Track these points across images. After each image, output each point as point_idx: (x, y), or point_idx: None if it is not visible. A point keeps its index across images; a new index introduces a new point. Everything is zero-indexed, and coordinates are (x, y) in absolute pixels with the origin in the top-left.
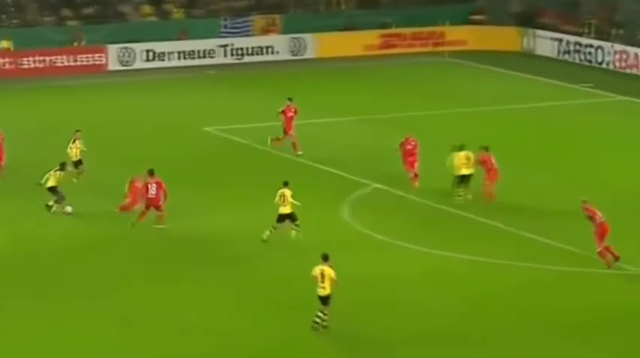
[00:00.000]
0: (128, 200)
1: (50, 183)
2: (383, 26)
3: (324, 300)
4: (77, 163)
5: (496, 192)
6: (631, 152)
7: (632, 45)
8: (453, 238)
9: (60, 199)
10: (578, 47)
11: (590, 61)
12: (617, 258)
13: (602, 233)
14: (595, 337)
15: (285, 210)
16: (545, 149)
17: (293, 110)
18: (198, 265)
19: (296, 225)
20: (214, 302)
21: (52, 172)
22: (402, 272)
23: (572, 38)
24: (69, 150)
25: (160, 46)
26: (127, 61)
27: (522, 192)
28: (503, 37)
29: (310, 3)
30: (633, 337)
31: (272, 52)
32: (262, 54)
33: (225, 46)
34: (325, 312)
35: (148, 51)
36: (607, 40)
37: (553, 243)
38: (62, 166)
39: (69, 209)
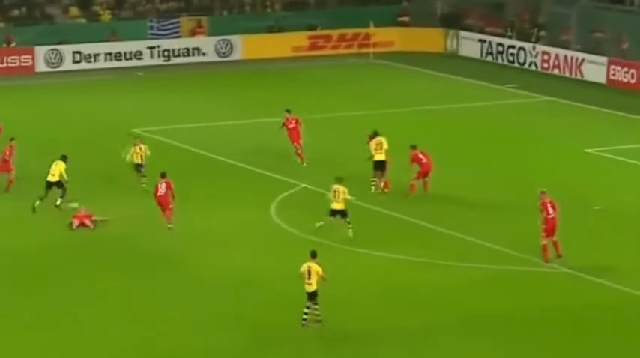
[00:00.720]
0: None
1: (55, 178)
2: (310, 28)
3: (311, 296)
4: (139, 166)
5: (431, 186)
6: (555, 151)
7: (554, 46)
8: (381, 238)
9: (63, 194)
10: (502, 48)
11: (514, 62)
12: (559, 256)
13: (548, 228)
14: (522, 335)
15: (338, 206)
16: (471, 149)
17: (294, 121)
18: (126, 264)
19: (348, 223)
20: (154, 300)
21: (53, 166)
22: (330, 271)
23: (497, 39)
24: (128, 155)
25: (88, 48)
26: (55, 63)
27: (449, 191)
28: (429, 39)
29: (237, 5)
30: (559, 335)
31: (199, 54)
32: (190, 55)
33: (153, 47)
34: (315, 307)
35: (76, 52)
36: (530, 41)
37: (481, 242)
38: (64, 158)
39: (75, 205)
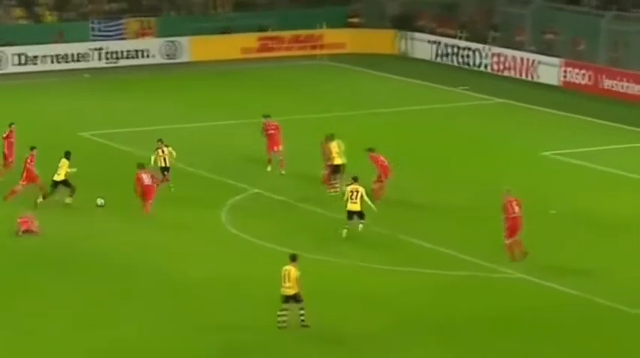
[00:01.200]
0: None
1: (61, 177)
2: (260, 29)
3: (291, 299)
4: (164, 169)
5: (386, 189)
6: (509, 154)
7: (508, 47)
8: (338, 244)
9: (72, 192)
10: (455, 50)
11: (467, 64)
12: (524, 254)
13: (510, 227)
14: (478, 341)
15: (355, 206)
16: (424, 152)
17: (273, 126)
18: (76, 271)
19: (361, 221)
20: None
21: (60, 165)
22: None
23: (449, 41)
24: (154, 157)
25: (31, 50)
26: None
27: (403, 196)
28: (380, 40)
29: (185, 5)
30: (514, 340)
31: (147, 56)
32: (137, 57)
33: (99, 49)
34: (300, 312)
35: (19, 55)
36: (484, 42)
37: (436, 247)
38: (67, 155)
39: (101, 201)
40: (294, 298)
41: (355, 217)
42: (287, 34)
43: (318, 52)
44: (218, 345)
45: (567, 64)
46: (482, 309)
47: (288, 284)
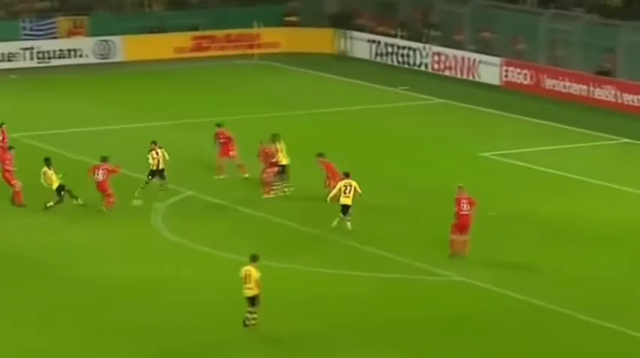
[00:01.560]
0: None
1: (55, 184)
2: (194, 28)
3: (252, 300)
4: (160, 172)
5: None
6: (449, 155)
7: (447, 46)
8: (279, 248)
9: (71, 195)
10: (393, 49)
11: (406, 64)
12: (463, 256)
13: (457, 224)
14: (419, 344)
15: (348, 201)
16: (362, 153)
17: (225, 136)
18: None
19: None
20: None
21: (48, 174)
22: (228, 283)
23: (388, 40)
24: (151, 160)
25: None
26: None
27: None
28: (318, 39)
29: (117, 4)
30: (453, 343)
31: (79, 55)
32: (69, 57)
33: (29, 49)
34: (253, 311)
35: None
36: (422, 41)
37: (375, 250)
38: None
39: (139, 202)
40: (253, 300)
41: (349, 211)
42: (221, 33)
43: (253, 51)
44: (150, 351)
45: (508, 64)
46: (421, 312)
47: (249, 286)
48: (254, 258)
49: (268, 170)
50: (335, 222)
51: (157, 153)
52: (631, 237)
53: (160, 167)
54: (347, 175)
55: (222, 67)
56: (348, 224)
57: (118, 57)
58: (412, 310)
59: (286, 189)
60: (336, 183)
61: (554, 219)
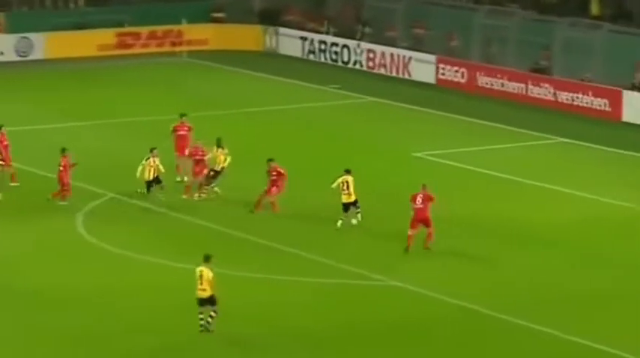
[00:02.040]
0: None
1: None
2: (118, 24)
3: (206, 302)
4: (155, 181)
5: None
6: (382, 155)
7: (380, 43)
8: (198, 250)
9: None
10: (324, 46)
11: (337, 61)
12: (407, 248)
13: (413, 218)
14: (355, 349)
15: (349, 198)
16: (293, 154)
17: (186, 128)
18: None
19: (357, 209)
20: None
21: None
22: (158, 288)
23: (318, 37)
24: (141, 168)
25: None
26: None
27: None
28: (246, 36)
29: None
30: (389, 348)
31: None
32: None
33: None
34: (212, 314)
35: None
36: (354, 38)
37: (305, 254)
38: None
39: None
40: (210, 301)
41: (351, 208)
42: (146, 29)
43: (179, 48)
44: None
45: (442, 61)
46: (356, 318)
47: (202, 287)
48: (207, 258)
49: (197, 170)
50: (339, 223)
51: (155, 162)
52: (567, 239)
53: (153, 176)
54: (348, 172)
55: (147, 64)
56: (354, 219)
57: (39, 55)
58: (347, 315)
59: (217, 190)
60: (278, 191)
61: (489, 221)
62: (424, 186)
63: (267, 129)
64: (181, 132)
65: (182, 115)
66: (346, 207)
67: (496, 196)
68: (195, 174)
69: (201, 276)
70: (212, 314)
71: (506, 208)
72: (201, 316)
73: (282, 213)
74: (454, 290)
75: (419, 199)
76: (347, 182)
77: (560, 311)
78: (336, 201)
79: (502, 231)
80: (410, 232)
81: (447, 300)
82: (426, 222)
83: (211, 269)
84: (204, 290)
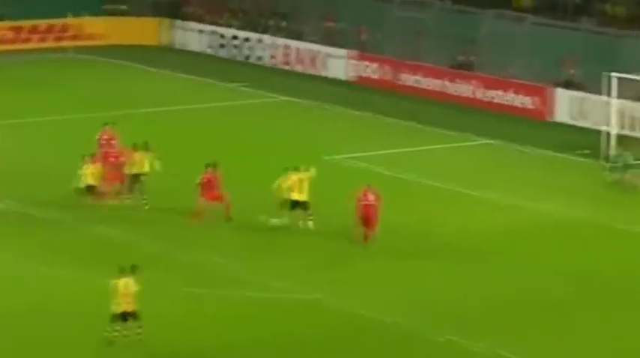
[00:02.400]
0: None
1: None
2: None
3: (130, 316)
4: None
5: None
6: (292, 159)
7: (289, 37)
8: (94, 261)
9: None
10: (230, 41)
11: (242, 57)
12: (365, 238)
13: (361, 216)
14: None
15: (301, 196)
16: (194, 158)
17: (106, 136)
18: None
19: (309, 215)
20: None
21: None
22: (42, 300)
23: (224, 31)
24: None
25: None
26: None
27: (170, 207)
28: (144, 30)
29: None
30: None
31: None
32: None
33: None
34: (138, 330)
35: None
36: (260, 31)
37: (224, 266)
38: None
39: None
40: (134, 315)
41: (299, 208)
42: (28, 23)
43: (69, 43)
44: None
45: (357, 57)
46: (277, 332)
47: (126, 299)
48: (132, 269)
49: (111, 176)
50: (275, 221)
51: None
52: (489, 248)
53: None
54: (296, 169)
55: (33, 61)
56: (311, 223)
57: None
58: (269, 330)
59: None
60: (208, 200)
61: (409, 230)
62: (369, 186)
63: (166, 131)
64: (104, 141)
65: (106, 124)
66: (295, 204)
67: (415, 203)
68: (110, 179)
69: (125, 288)
70: (138, 330)
71: (426, 216)
72: (115, 333)
73: (184, 221)
74: (376, 303)
75: (370, 196)
76: (301, 180)
77: (487, 325)
78: (245, 208)
79: (423, 240)
80: (358, 230)
81: (368, 315)
82: (371, 221)
83: (137, 281)
84: (128, 303)
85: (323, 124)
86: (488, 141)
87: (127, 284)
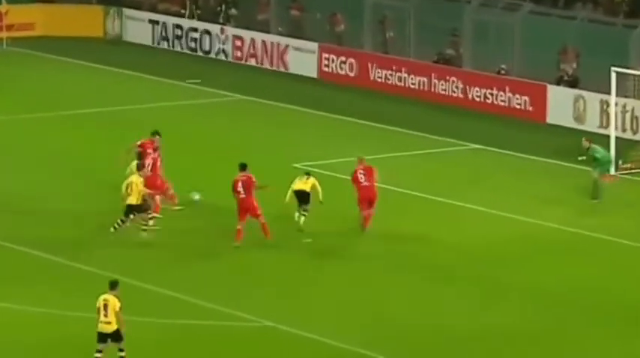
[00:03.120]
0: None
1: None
2: None
3: (110, 337)
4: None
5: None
6: (255, 167)
7: (250, 29)
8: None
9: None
10: (180, 32)
11: (197, 50)
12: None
13: (360, 198)
14: None
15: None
16: None
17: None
18: None
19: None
20: None
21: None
22: None
23: (176, 21)
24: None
25: None
26: None
27: (102, 219)
28: (84, 20)
29: None
30: None
31: None
32: None
33: None
34: (121, 355)
35: None
36: (218, 22)
37: (164, 290)
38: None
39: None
40: (114, 336)
41: (302, 204)
42: None
43: (1, 34)
44: None
45: (326, 50)
46: None
47: (106, 319)
48: (113, 285)
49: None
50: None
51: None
52: (474, 265)
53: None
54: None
55: None
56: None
57: None
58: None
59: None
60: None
61: (382, 247)
62: (361, 159)
63: (110, 134)
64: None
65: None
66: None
67: (392, 215)
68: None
69: (105, 307)
70: (121, 353)
71: (404, 229)
72: (98, 355)
73: (130, 240)
74: (334, 329)
75: (362, 176)
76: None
77: (461, 354)
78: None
79: (396, 257)
80: (362, 213)
81: (325, 341)
82: (373, 202)
83: (119, 299)
84: (108, 322)
85: (288, 128)
86: (475, 146)
87: (107, 302)
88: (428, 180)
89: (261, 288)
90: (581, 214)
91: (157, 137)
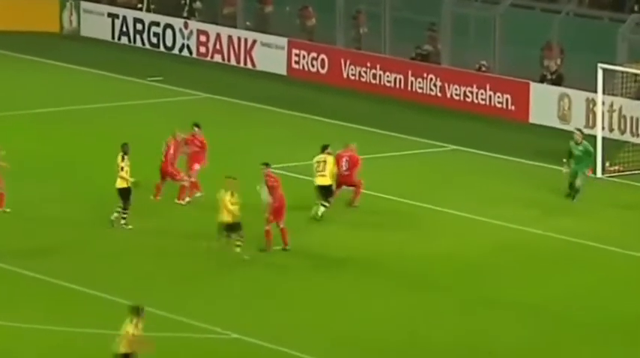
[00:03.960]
0: None
1: None
2: None
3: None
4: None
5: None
6: (217, 168)
7: (215, 23)
8: None
9: None
10: (141, 26)
11: (159, 46)
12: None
13: (339, 184)
14: None
15: (324, 180)
16: (99, 167)
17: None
18: None
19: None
20: None
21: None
22: None
23: (136, 14)
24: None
25: None
26: None
27: (36, 224)
28: (37, 13)
29: None
30: None
31: None
32: None
33: None
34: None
35: None
36: (181, 16)
37: (106, 296)
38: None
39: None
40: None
41: (322, 194)
42: None
43: None
44: None
45: (296, 46)
46: None
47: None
48: (138, 310)
49: None
50: (318, 211)
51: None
52: (451, 273)
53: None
54: (325, 148)
55: None
56: (321, 209)
57: None
58: None
59: None
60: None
61: (354, 255)
62: (351, 147)
63: (66, 136)
64: (193, 149)
65: (196, 125)
66: (322, 190)
67: (365, 222)
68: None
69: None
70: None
71: (377, 237)
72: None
73: (92, 250)
74: (303, 341)
75: (344, 164)
76: (324, 161)
77: None
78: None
79: (369, 265)
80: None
81: (293, 353)
82: (350, 185)
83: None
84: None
85: (256, 128)
86: (454, 147)
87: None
88: (404, 183)
89: (225, 300)
90: (565, 220)
91: (197, 129)
